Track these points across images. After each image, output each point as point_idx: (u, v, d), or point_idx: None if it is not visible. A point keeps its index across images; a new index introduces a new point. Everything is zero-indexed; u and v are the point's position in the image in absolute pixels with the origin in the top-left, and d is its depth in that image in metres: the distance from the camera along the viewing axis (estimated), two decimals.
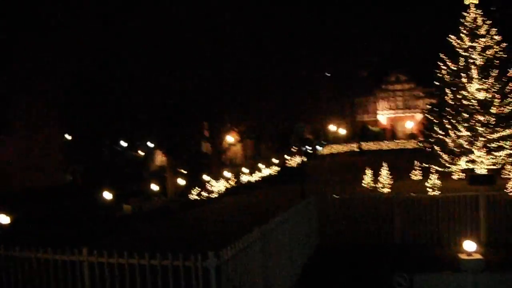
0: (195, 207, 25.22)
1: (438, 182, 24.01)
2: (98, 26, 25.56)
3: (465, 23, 31.05)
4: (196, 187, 28.24)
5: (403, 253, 12.46)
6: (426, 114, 35.47)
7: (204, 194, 27.94)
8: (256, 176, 36.16)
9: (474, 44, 30.48)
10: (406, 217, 13.52)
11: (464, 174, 29.36)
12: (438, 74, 32.18)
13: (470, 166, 29.63)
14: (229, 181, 31.76)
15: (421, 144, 35.25)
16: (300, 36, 35.97)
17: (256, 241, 8.00)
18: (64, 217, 21.37)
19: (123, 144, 42.61)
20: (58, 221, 20.10)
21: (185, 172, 36.62)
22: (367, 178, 27.61)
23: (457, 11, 31.89)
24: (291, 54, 34.19)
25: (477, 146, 29.29)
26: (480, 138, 29.21)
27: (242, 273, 7.37)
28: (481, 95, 29.87)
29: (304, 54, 36.41)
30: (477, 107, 29.59)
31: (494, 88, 29.83)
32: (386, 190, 25.27)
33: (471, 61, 30.30)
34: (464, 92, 30.27)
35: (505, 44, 30.53)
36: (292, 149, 51.11)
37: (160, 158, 49.53)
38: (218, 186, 29.52)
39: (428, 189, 23.51)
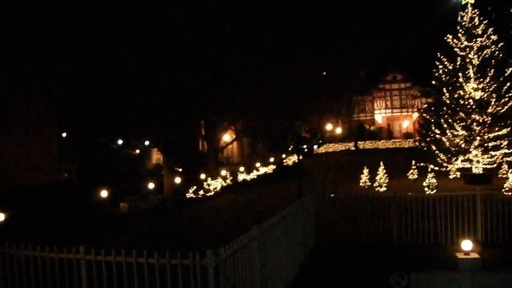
0: (191, 205, 25.20)
1: (434, 181, 24.07)
2: (97, 25, 25.45)
3: (462, 22, 31.16)
4: (193, 186, 28.23)
5: (401, 252, 12.45)
6: (422, 113, 35.58)
7: (201, 192, 27.95)
8: (252, 175, 36.15)
9: (471, 44, 30.56)
10: (403, 216, 13.52)
11: (460, 173, 29.46)
12: (435, 74, 32.28)
13: (467, 165, 29.72)
14: (226, 180, 31.75)
15: (417, 143, 35.36)
16: (300, 36, 35.96)
17: (255, 239, 7.98)
18: (60, 215, 21.26)
19: (119, 142, 42.50)
20: (53, 219, 20.00)
21: (182, 170, 36.60)
22: (364, 177, 27.64)
23: (454, 11, 32.03)
24: (291, 54, 34.17)
25: (474, 146, 29.37)
26: (477, 138, 29.29)
27: (240, 272, 7.35)
28: (478, 95, 29.95)
29: (304, 54, 36.40)
30: (474, 107, 29.67)
31: (491, 88, 29.92)
32: (382, 189, 25.31)
33: (468, 60, 30.39)
34: (460, 92, 30.35)
35: (501, 44, 30.64)
36: (289, 148, 51.18)
37: (156, 156, 49.55)
38: (214, 185, 29.52)
39: (424, 188, 23.56)
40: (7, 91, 28.22)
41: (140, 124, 29.88)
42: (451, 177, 29.49)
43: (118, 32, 25.49)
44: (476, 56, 30.36)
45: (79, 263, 7.65)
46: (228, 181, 31.89)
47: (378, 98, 67.80)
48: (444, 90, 30.99)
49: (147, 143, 40.41)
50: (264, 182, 33.75)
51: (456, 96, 30.48)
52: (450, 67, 31.12)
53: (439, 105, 31.76)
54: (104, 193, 23.99)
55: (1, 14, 25.57)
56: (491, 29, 31.01)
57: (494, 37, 30.77)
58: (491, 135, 29.20)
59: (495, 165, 29.16)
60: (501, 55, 30.50)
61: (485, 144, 29.23)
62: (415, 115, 62.95)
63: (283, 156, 47.55)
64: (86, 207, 23.84)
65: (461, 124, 29.80)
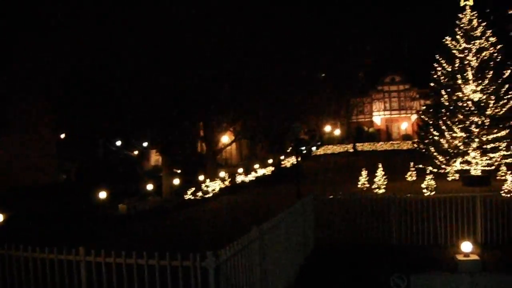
0: (189, 207, 25.17)
1: (433, 183, 24.09)
2: (97, 26, 25.41)
3: (460, 24, 31.21)
4: (191, 187, 28.19)
5: (401, 253, 12.45)
6: (421, 115, 35.60)
7: (199, 194, 27.91)
8: (250, 176, 36.12)
9: (469, 46, 30.61)
10: (403, 217, 13.52)
11: (458, 175, 29.48)
12: (434, 76, 32.33)
13: (465, 167, 29.75)
14: (224, 181, 31.71)
15: (416, 145, 35.38)
16: (300, 36, 35.97)
17: (255, 241, 7.98)
18: (59, 215, 21.21)
19: (118, 143, 42.43)
20: (53, 219, 19.96)
21: (180, 171, 36.54)
22: (362, 179, 27.64)
23: (453, 13, 32.07)
24: (291, 54, 34.17)
25: (472, 147, 29.40)
26: (475, 139, 29.32)
27: (240, 273, 7.34)
28: (476, 97, 30.00)
29: (304, 54, 36.40)
30: (472, 109, 29.71)
31: (489, 90, 29.97)
32: (381, 191, 25.31)
33: (467, 62, 30.43)
34: (459, 94, 30.39)
35: (500, 46, 30.70)
36: (288, 150, 51.17)
37: (154, 158, 49.48)
38: (212, 186, 29.47)
39: (423, 190, 23.57)
40: (7, 91, 28.22)
41: (140, 124, 29.82)
42: (449, 179, 29.50)
43: (118, 32, 25.44)
44: (474, 58, 30.42)
45: (78, 264, 7.63)
46: (227, 182, 31.86)
47: (376, 100, 67.91)
48: (443, 92, 31.02)
49: (145, 144, 40.35)
50: (263, 184, 33.75)
51: (454, 98, 30.51)
52: (449, 69, 31.16)
53: (438, 107, 31.77)
54: (103, 194, 23.93)
55: (1, 14, 25.55)
56: (490, 31, 31.09)
57: (492, 39, 30.85)
58: (489, 137, 29.23)
59: (493, 167, 29.18)
60: (499, 57, 30.54)
61: (484, 146, 29.26)
62: (414, 117, 63.03)
63: (281, 157, 47.54)
64: (85, 208, 23.77)
65: (460, 126, 29.82)
